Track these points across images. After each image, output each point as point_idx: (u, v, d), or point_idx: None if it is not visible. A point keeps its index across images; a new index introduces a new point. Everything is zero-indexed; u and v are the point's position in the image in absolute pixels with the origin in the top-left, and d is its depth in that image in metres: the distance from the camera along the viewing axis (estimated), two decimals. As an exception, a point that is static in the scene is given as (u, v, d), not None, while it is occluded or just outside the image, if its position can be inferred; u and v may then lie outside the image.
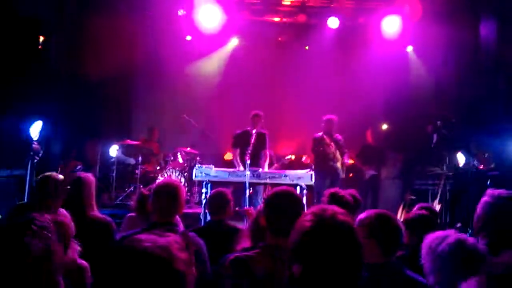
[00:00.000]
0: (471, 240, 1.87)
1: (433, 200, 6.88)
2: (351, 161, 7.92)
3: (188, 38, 8.78)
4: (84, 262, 2.15)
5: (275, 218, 2.06)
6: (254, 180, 5.87)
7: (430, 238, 1.90)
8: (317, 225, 1.37)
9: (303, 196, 5.77)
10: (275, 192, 2.18)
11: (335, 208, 1.44)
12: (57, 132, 6.60)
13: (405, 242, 2.96)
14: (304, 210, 2.12)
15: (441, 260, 1.79)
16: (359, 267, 1.35)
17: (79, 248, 2.08)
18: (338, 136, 6.94)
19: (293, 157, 7.80)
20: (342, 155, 6.84)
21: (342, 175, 6.82)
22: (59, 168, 6.19)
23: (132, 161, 7.35)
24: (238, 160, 6.31)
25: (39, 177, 3.01)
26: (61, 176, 3.00)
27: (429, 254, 1.86)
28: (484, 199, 2.39)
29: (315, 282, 1.33)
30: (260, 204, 2.72)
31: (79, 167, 6.56)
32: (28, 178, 5.13)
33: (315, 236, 1.35)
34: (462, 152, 7.06)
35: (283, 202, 2.08)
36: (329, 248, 1.33)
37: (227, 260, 2.02)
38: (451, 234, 1.87)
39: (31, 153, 5.25)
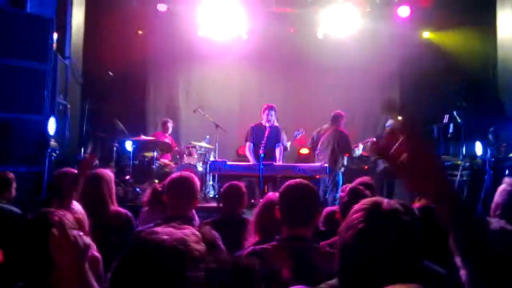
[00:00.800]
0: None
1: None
2: (365, 154, 7.85)
3: (200, 33, 8.77)
4: (97, 254, 2.18)
5: (290, 210, 2.05)
6: (269, 174, 5.86)
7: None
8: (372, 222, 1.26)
9: (318, 189, 5.76)
10: (289, 184, 2.16)
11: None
12: (73, 128, 6.69)
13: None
14: (319, 201, 2.10)
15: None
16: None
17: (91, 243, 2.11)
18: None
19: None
20: None
21: None
22: (76, 165, 6.27)
23: (147, 156, 7.40)
24: (252, 154, 6.31)
25: (54, 174, 3.05)
26: (74, 172, 3.04)
27: None
28: (502, 187, 2.34)
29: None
30: (267, 197, 2.70)
31: (96, 162, 6.62)
32: (46, 175, 5.21)
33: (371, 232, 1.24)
34: (479, 142, 6.94)
35: (298, 193, 2.07)
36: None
37: (242, 254, 2.02)
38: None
39: (49, 149, 5.33)
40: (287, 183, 2.20)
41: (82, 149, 6.74)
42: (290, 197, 2.09)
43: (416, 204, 2.77)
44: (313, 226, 2.14)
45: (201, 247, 1.24)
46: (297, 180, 2.18)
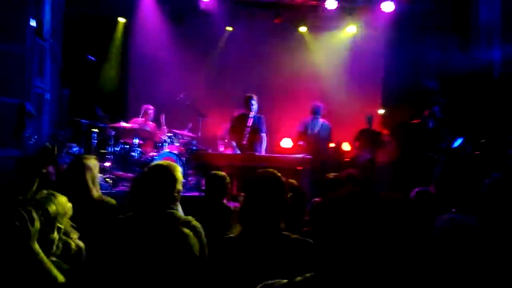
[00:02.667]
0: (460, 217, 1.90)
1: (429, 184, 6.91)
2: (347, 148, 7.95)
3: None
4: (80, 242, 2.14)
5: (252, 203, 2.03)
6: (251, 164, 5.86)
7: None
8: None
9: (302, 179, 5.78)
10: (253, 177, 2.13)
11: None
12: (52, 113, 6.53)
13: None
14: (284, 192, 2.07)
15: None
16: None
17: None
18: None
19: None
20: None
21: None
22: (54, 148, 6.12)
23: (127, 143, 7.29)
24: (235, 144, 6.29)
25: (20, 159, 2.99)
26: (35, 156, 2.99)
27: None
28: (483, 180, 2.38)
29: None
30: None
31: (75, 148, 6.49)
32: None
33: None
34: (458, 137, 7.08)
35: (261, 186, 2.05)
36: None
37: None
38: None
39: (27, 134, 5.20)
40: (253, 175, 2.16)
41: (59, 134, 6.57)
42: (252, 189, 2.07)
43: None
44: (282, 216, 2.07)
45: None
46: (265, 171, 2.14)
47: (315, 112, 7.22)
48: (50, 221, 1.83)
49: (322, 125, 7.22)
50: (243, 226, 2.08)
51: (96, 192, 2.88)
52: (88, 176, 2.82)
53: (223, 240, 2.07)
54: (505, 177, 2.17)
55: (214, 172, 3.35)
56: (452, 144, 7.07)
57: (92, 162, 2.93)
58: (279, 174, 2.13)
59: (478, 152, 6.46)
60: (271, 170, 2.14)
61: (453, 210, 6.18)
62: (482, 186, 2.33)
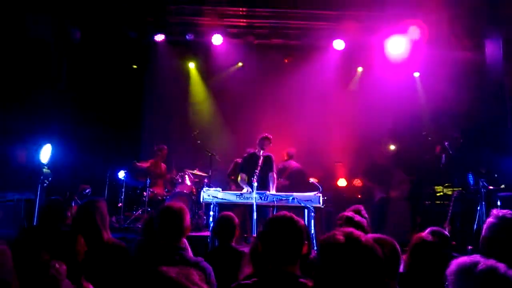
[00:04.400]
0: (502, 267, 1.82)
1: (443, 221, 6.80)
2: (358, 183, 7.90)
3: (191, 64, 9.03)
4: (89, 285, 2.16)
5: (270, 246, 1.97)
6: (262, 203, 5.86)
7: (459, 264, 1.84)
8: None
9: (311, 219, 5.74)
10: (272, 219, 2.08)
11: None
12: (66, 156, 6.67)
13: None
14: (304, 236, 2.01)
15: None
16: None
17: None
18: None
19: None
20: None
21: None
22: (67, 192, 6.23)
23: (140, 184, 7.38)
24: (245, 183, 6.31)
25: (45, 202, 3.05)
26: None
27: (461, 280, 1.79)
28: (489, 219, 2.34)
29: None
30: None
31: (87, 190, 6.59)
32: (37, 202, 5.17)
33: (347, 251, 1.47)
34: (471, 173, 7.00)
35: (281, 230, 1.98)
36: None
37: None
38: (481, 261, 1.81)
39: (41, 177, 5.31)
40: (269, 218, 2.12)
41: (74, 177, 6.71)
42: (273, 233, 2.00)
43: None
44: (298, 261, 2.02)
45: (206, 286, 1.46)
46: (282, 213, 2.10)
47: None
48: None
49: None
50: (256, 269, 2.03)
51: (106, 235, 2.89)
52: (98, 219, 2.84)
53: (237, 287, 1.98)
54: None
55: (222, 214, 3.36)
56: (465, 181, 6.99)
57: (102, 204, 2.96)
58: (297, 219, 2.07)
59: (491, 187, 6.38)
60: (289, 214, 2.09)
61: (470, 247, 6.03)
62: (488, 226, 2.30)
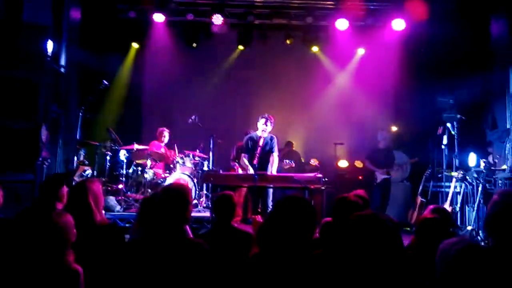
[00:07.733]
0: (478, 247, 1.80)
1: (443, 202, 6.79)
2: (359, 165, 7.86)
3: (194, 45, 8.89)
4: (78, 267, 2.14)
5: (283, 227, 1.92)
6: (263, 184, 5.84)
7: (444, 244, 1.83)
8: None
9: (311, 200, 5.73)
10: (283, 200, 2.02)
11: None
12: (66, 137, 6.65)
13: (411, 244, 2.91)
14: (315, 218, 1.97)
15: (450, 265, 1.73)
16: None
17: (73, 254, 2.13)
18: None
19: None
20: None
21: None
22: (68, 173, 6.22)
23: (140, 165, 7.37)
24: (247, 164, 6.28)
25: (43, 181, 3.03)
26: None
27: (440, 262, 1.80)
28: (494, 198, 2.30)
29: None
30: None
31: (87, 171, 6.58)
32: (37, 183, 5.17)
33: None
34: (473, 154, 6.97)
35: (293, 212, 1.94)
36: None
37: None
38: (461, 242, 1.80)
39: (40, 158, 5.29)
40: (282, 199, 2.05)
41: (75, 157, 6.67)
42: (286, 214, 1.95)
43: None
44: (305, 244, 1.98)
45: None
46: (291, 196, 2.05)
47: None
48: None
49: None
50: (262, 249, 1.99)
51: (99, 216, 2.86)
52: (91, 199, 2.79)
53: (246, 263, 1.98)
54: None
55: (221, 192, 3.34)
56: (467, 162, 6.96)
57: (96, 185, 2.91)
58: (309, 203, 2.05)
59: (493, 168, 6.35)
60: (301, 196, 2.08)
61: (470, 228, 6.02)
62: (492, 204, 2.26)
